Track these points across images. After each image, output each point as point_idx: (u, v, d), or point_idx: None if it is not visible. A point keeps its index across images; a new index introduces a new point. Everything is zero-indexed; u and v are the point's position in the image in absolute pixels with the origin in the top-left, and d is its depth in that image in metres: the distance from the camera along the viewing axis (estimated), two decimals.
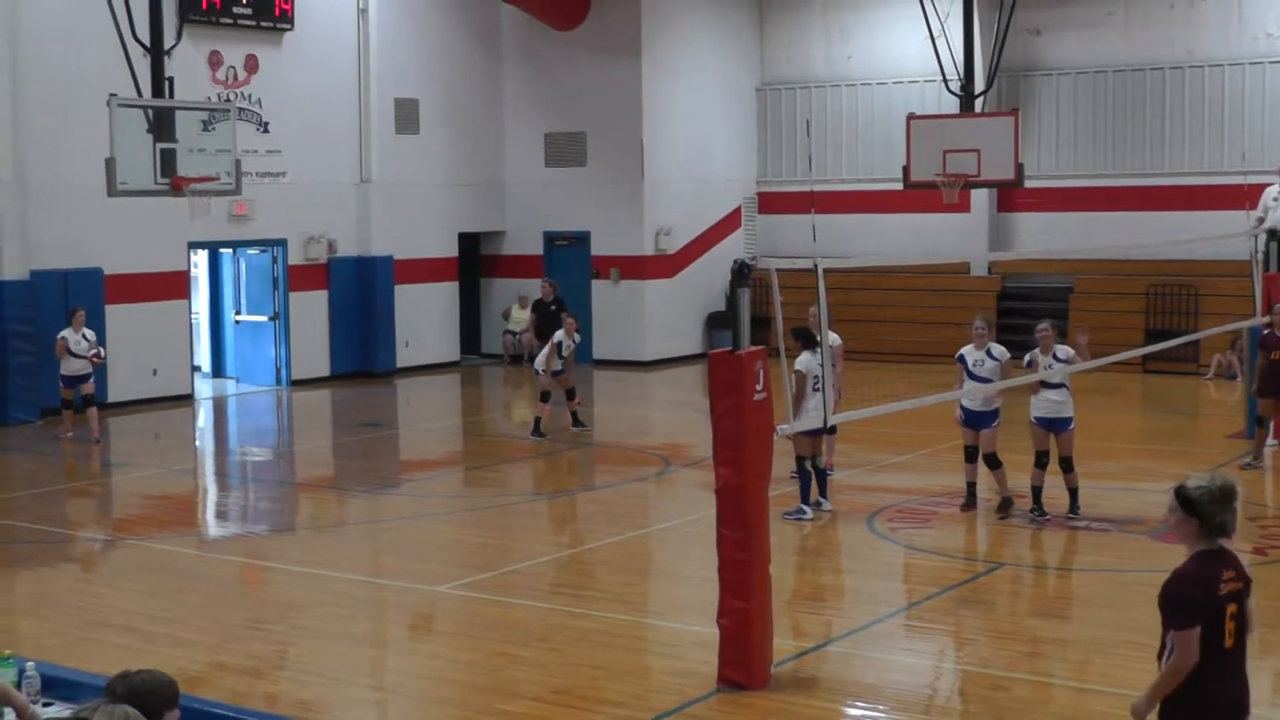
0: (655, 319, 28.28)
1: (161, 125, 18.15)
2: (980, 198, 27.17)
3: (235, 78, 24.44)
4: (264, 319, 25.73)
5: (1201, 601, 5.82)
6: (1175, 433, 20.71)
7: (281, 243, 25.41)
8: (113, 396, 22.31)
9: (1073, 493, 14.01)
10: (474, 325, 29.54)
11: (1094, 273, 26.59)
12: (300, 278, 25.66)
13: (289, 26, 25.13)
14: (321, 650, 10.44)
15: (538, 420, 19.62)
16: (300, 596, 11.92)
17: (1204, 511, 5.82)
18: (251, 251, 25.75)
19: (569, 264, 28.52)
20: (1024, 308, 25.37)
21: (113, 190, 17.75)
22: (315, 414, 23.79)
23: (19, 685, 6.40)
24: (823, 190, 28.54)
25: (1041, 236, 27.33)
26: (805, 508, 14.30)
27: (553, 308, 22.49)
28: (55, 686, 6.59)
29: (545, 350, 19.67)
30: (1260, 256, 18.07)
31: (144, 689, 4.89)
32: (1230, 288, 23.50)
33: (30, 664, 6.59)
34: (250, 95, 24.61)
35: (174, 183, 18.14)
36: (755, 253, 29.01)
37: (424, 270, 27.54)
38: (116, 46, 18.22)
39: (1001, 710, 8.96)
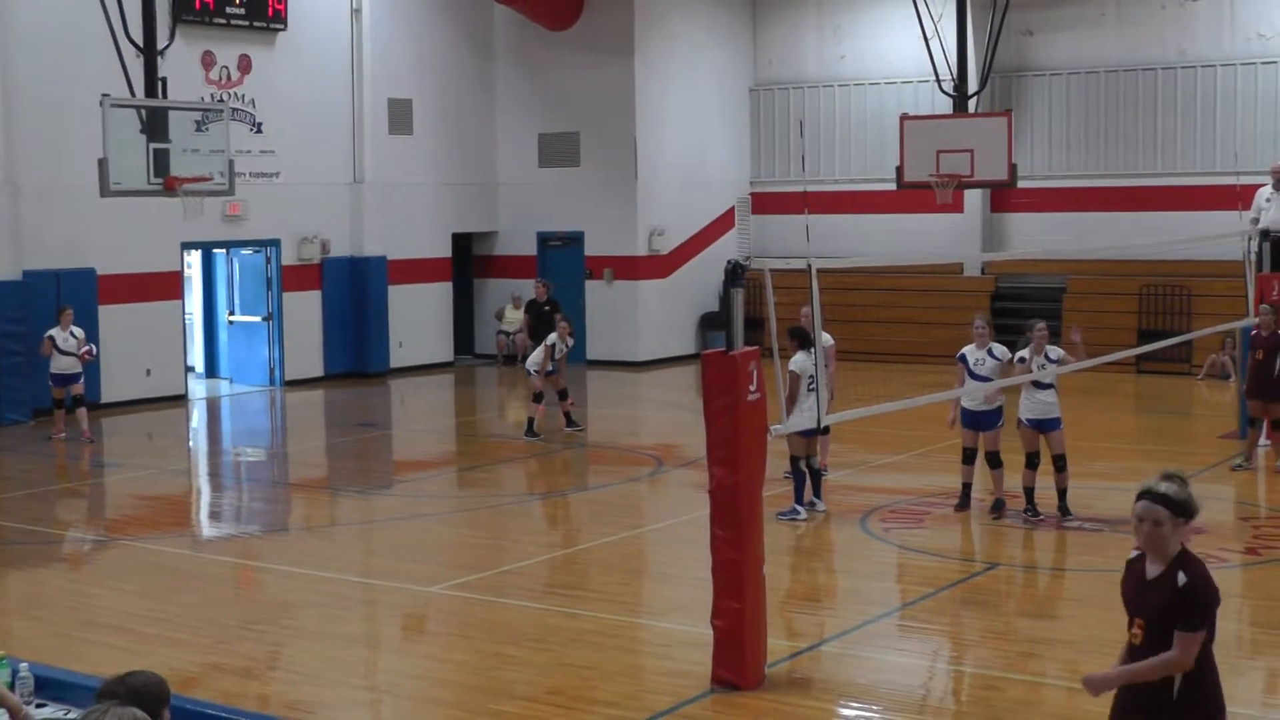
0: (649, 319, 28.29)
1: (155, 125, 18.13)
2: (973, 198, 27.20)
3: (228, 78, 24.42)
4: (257, 319, 25.71)
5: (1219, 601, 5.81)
6: (1168, 433, 20.73)
7: (275, 243, 25.40)
8: (106, 397, 22.30)
9: (1062, 493, 14.01)
10: (467, 325, 29.53)
11: (1087, 273, 26.62)
12: (294, 278, 25.64)
13: (282, 27, 25.12)
14: (314, 651, 10.43)
15: (531, 421, 19.62)
16: (293, 597, 11.91)
17: (1194, 508, 5.78)
18: (245, 252, 25.73)
19: (562, 264, 28.52)
20: (1017, 308, 25.37)
21: (106, 190, 17.74)
22: (309, 414, 23.78)
23: (12, 686, 6.40)
24: (816, 190, 28.54)
25: (1035, 237, 27.36)
26: (799, 508, 14.30)
27: (546, 308, 22.50)
28: (48, 687, 6.59)
29: (538, 351, 19.67)
30: (1253, 257, 18.10)
31: (145, 690, 4.91)
32: (1223, 288, 23.52)
33: (23, 665, 6.59)
34: (243, 95, 24.59)
35: (167, 183, 18.13)
36: (749, 253, 29.04)
37: (418, 270, 27.54)
38: (110, 47, 18.20)
39: (995, 710, 8.97)
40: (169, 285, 23.84)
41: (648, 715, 8.86)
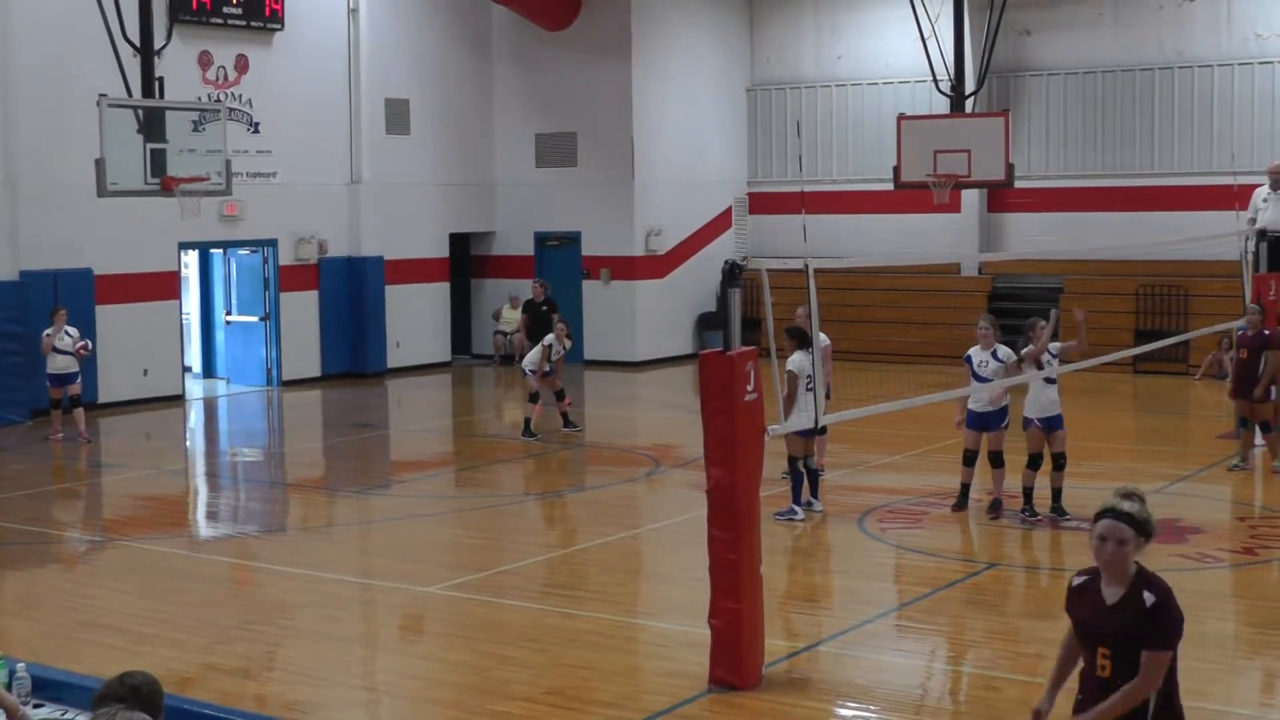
0: (646, 319, 28.29)
1: (152, 125, 18.14)
2: (971, 198, 27.21)
3: (225, 78, 24.41)
4: (254, 319, 25.70)
5: None
6: (1165, 433, 20.74)
7: (272, 243, 25.39)
8: (103, 397, 22.29)
9: (1057, 492, 14.01)
10: (465, 326, 29.53)
11: (1084, 273, 26.63)
12: (291, 278, 25.63)
13: (279, 27, 25.11)
14: (312, 651, 10.43)
15: (528, 421, 19.62)
16: (291, 597, 11.90)
17: (1154, 527, 5.70)
18: (242, 252, 25.72)
19: (560, 264, 28.52)
20: (1014, 308, 25.37)
21: (103, 190, 17.74)
22: (306, 415, 23.77)
23: (9, 687, 6.39)
24: (813, 191, 28.56)
25: (1032, 237, 27.37)
26: (796, 508, 14.30)
27: (544, 308, 22.49)
28: (46, 688, 6.59)
29: (535, 351, 19.67)
30: (1250, 257, 18.10)
31: (145, 690, 4.92)
32: (1220, 288, 23.54)
33: (21, 665, 6.59)
34: (240, 95, 24.58)
35: (164, 183, 18.14)
36: (746, 253, 29.04)
37: (415, 271, 27.53)
38: (107, 47, 18.22)
39: (993, 710, 8.97)
40: (166, 285, 23.83)
41: (645, 715, 8.85)
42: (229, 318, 26.20)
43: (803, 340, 14.03)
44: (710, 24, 29.51)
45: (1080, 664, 5.87)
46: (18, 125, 21.58)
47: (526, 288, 25.73)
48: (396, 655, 10.85)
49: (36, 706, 6.40)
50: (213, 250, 25.95)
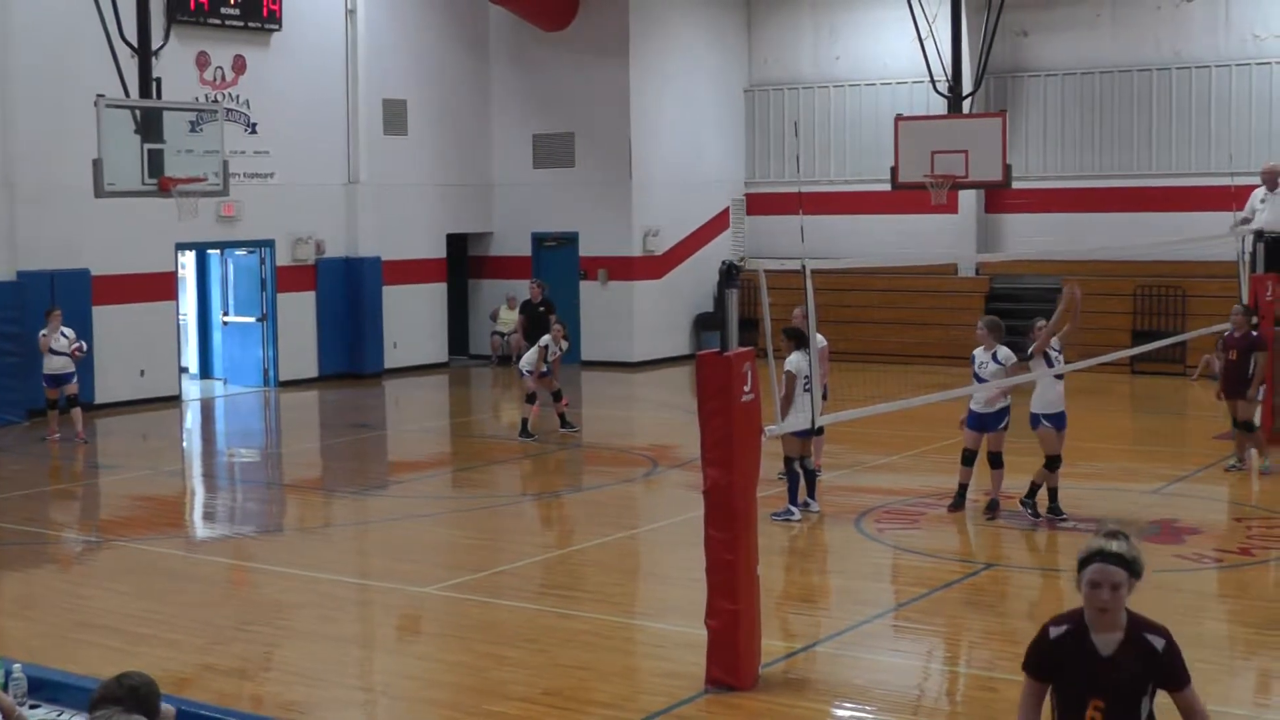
0: (643, 320, 28.30)
1: (149, 126, 18.14)
2: (968, 199, 27.22)
3: (223, 78, 24.41)
4: (252, 320, 25.69)
5: None
6: (1162, 434, 20.74)
7: (269, 244, 25.39)
8: (100, 397, 22.28)
9: (1054, 492, 14.01)
10: (462, 326, 29.54)
11: (1081, 274, 26.44)
12: (288, 279, 25.63)
13: (277, 27, 25.11)
14: (309, 651, 10.43)
15: (525, 421, 19.62)
16: (287, 598, 11.90)
17: (1144, 565, 5.28)
18: (239, 252, 25.72)
19: (557, 265, 28.52)
20: (1012, 309, 25.38)
21: (100, 191, 17.74)
22: (303, 415, 23.76)
23: (5, 687, 6.39)
24: (811, 191, 28.57)
25: (1029, 238, 27.38)
26: (793, 509, 14.30)
27: (541, 308, 22.50)
28: (42, 688, 6.58)
29: (532, 352, 19.67)
30: (1247, 258, 18.11)
31: (142, 689, 4.93)
32: (1217, 289, 23.55)
33: (17, 665, 6.58)
34: (238, 96, 24.58)
35: (161, 183, 18.13)
36: (743, 254, 29.05)
37: (412, 271, 27.53)
38: (104, 47, 18.21)
39: (990, 711, 8.97)
40: (163, 286, 23.83)
41: (643, 716, 8.85)
42: (226, 318, 26.19)
43: (800, 341, 14.03)
44: (708, 24, 29.51)
45: None
46: (15, 125, 21.57)
47: (524, 288, 25.75)
48: (393, 656, 10.84)
49: (33, 707, 6.40)
50: (210, 251, 25.94)
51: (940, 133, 22.20)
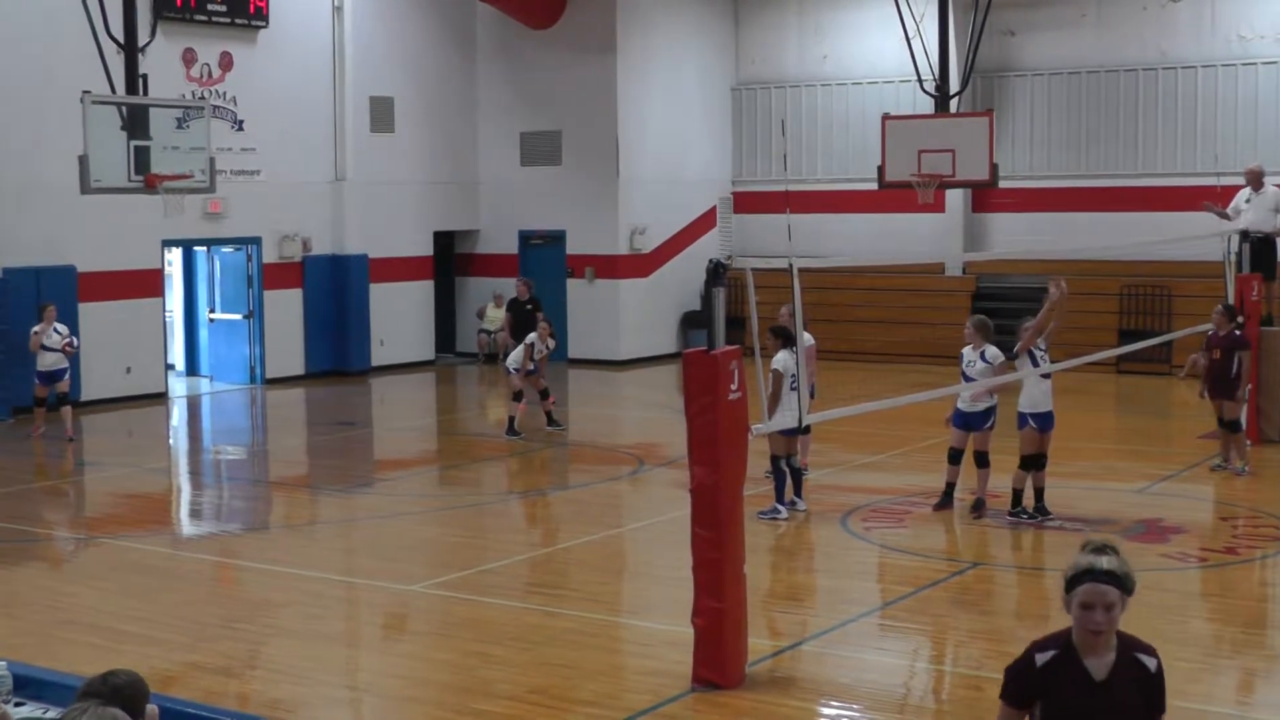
0: (630, 318, 28.30)
1: (135, 123, 18.10)
2: (955, 198, 27.25)
3: (210, 75, 24.36)
4: (238, 317, 25.65)
5: None
6: (1148, 433, 20.79)
7: (256, 241, 25.34)
8: (86, 395, 22.23)
9: (1040, 492, 14.03)
10: (449, 324, 29.51)
11: (1068, 273, 26.22)
12: (275, 276, 25.59)
13: (264, 24, 25.07)
14: (295, 649, 10.41)
15: (512, 419, 19.61)
16: (273, 595, 11.88)
17: (1134, 581, 4.93)
18: (226, 250, 25.67)
19: (544, 263, 28.51)
20: (998, 308, 25.41)
21: (86, 188, 17.70)
22: (289, 413, 23.73)
23: None
24: (798, 190, 28.55)
25: (1016, 237, 27.42)
26: (780, 507, 14.30)
27: (528, 306, 22.47)
28: (27, 686, 6.55)
29: (518, 350, 19.66)
30: (1233, 258, 18.16)
31: (127, 689, 4.91)
32: (1202, 289, 23.59)
33: (1, 663, 6.56)
34: (225, 93, 24.54)
35: (148, 180, 18.09)
36: (730, 252, 29.07)
37: (399, 269, 27.50)
38: (90, 43, 18.16)
39: (976, 710, 8.98)
40: (149, 283, 23.78)
41: (628, 714, 8.85)
42: (212, 315, 26.14)
43: (787, 339, 14.04)
44: (695, 23, 29.52)
45: None
46: (1, 121, 21.50)
47: (511, 286, 25.69)
48: (379, 654, 10.83)
49: (18, 705, 6.37)
50: (196, 248, 25.89)
51: (927, 132, 22.21)
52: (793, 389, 13.44)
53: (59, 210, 21.70)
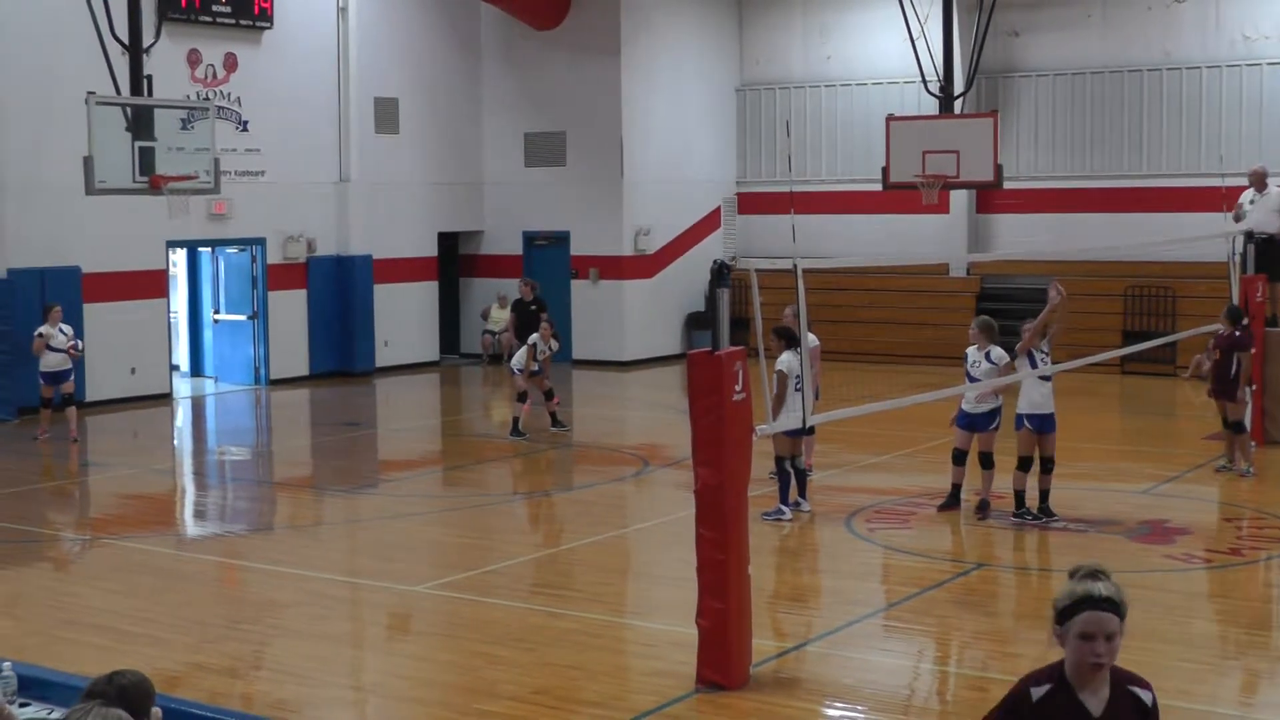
0: (634, 319, 28.29)
1: (140, 124, 18.10)
2: (959, 199, 27.24)
3: (214, 76, 24.37)
4: (243, 318, 25.66)
5: None
6: (1152, 434, 20.77)
7: (260, 242, 25.35)
8: (91, 395, 22.24)
9: (1045, 494, 14.02)
10: (453, 325, 29.51)
11: (1072, 274, 26.53)
12: (279, 277, 25.60)
13: (268, 25, 25.08)
14: (299, 650, 10.42)
15: (516, 420, 19.61)
16: (278, 596, 11.89)
17: (1127, 605, 4.68)
18: (230, 250, 25.68)
19: (548, 264, 28.51)
20: (1003, 309, 25.40)
21: (91, 189, 17.70)
22: (294, 413, 23.74)
23: None
24: (802, 191, 28.57)
25: (1020, 238, 27.40)
26: (784, 508, 14.30)
27: (532, 307, 22.49)
28: (31, 686, 6.56)
29: (522, 351, 19.66)
30: (1237, 258, 18.14)
31: (132, 689, 4.91)
32: (1207, 290, 23.59)
33: (6, 664, 6.56)
34: (229, 94, 24.55)
35: (152, 181, 18.09)
36: (734, 253, 29.06)
37: (403, 270, 27.51)
38: (95, 44, 18.17)
39: (980, 711, 8.90)
40: (154, 283, 23.79)
41: (633, 715, 8.85)
42: (217, 316, 26.16)
43: (791, 340, 14.03)
44: (700, 24, 29.51)
45: None
46: (5, 123, 21.52)
47: (515, 287, 25.68)
48: (384, 654, 10.84)
49: (22, 705, 6.38)
50: (201, 249, 25.90)
51: (931, 133, 22.20)
52: (797, 390, 13.44)
53: (64, 211, 21.72)
